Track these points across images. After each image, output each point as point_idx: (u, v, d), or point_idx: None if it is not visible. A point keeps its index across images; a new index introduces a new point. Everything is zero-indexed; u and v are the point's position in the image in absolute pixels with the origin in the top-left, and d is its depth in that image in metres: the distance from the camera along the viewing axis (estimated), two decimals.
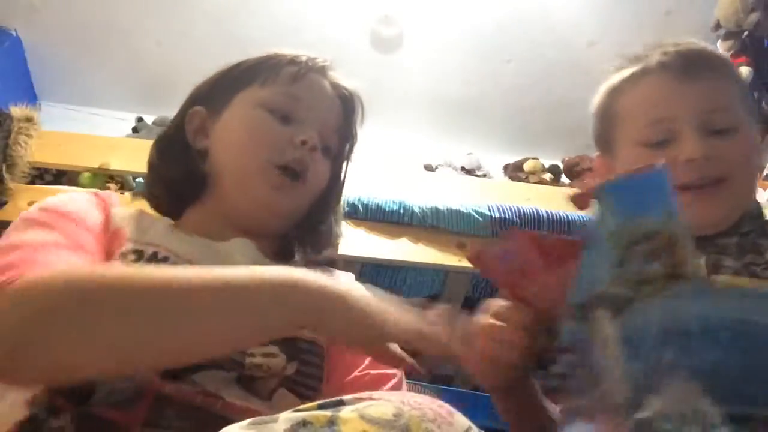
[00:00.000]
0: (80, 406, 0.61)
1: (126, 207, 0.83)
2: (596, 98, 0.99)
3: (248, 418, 0.62)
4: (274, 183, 0.82)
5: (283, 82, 0.86)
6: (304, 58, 0.89)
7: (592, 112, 1.01)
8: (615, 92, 0.95)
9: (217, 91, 0.89)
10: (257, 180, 0.82)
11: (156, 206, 0.91)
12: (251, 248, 0.81)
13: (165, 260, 0.73)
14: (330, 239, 0.93)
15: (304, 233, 0.91)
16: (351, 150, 0.95)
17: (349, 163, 0.96)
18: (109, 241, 0.75)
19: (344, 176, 0.96)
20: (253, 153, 0.83)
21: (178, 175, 0.88)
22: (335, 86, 0.91)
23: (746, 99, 0.93)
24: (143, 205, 0.91)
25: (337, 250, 0.94)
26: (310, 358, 0.73)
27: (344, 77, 0.93)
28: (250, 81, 0.87)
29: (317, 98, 0.88)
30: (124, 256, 0.72)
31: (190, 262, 0.74)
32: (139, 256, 0.73)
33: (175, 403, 0.62)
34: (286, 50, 0.91)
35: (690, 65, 0.88)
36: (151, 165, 0.91)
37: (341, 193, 0.96)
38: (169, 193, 0.89)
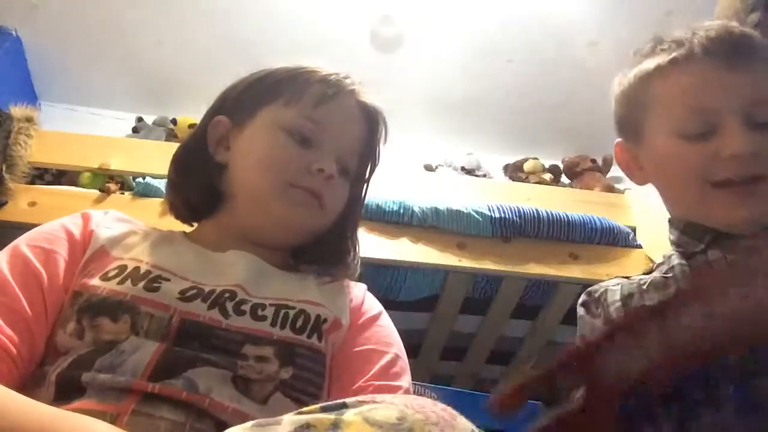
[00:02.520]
0: (70, 404, 0.62)
1: (115, 224, 0.84)
2: (623, 81, 0.93)
3: (237, 419, 0.63)
4: (296, 200, 0.83)
5: (307, 105, 0.86)
6: (333, 79, 0.89)
7: (617, 94, 0.95)
8: (650, 77, 0.88)
9: (242, 103, 0.89)
10: (276, 199, 0.83)
11: (176, 216, 0.93)
12: (248, 259, 0.82)
13: (148, 274, 0.74)
14: (345, 259, 0.93)
15: (320, 252, 0.92)
16: (372, 171, 0.95)
17: (369, 184, 0.96)
18: (89, 261, 0.77)
19: (364, 197, 0.97)
20: (270, 177, 0.84)
21: (196, 191, 0.89)
22: (361, 107, 0.91)
23: None
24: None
25: (352, 270, 0.94)
26: (307, 363, 0.73)
27: (371, 96, 0.93)
28: (276, 97, 0.87)
29: (340, 124, 0.88)
30: (106, 274, 0.74)
31: (174, 274, 0.76)
32: (122, 270, 0.75)
33: (164, 399, 0.63)
34: (317, 65, 0.91)
35: (736, 52, 0.83)
36: (170, 181, 0.92)
37: (360, 213, 0.97)
38: (188, 207, 0.92)
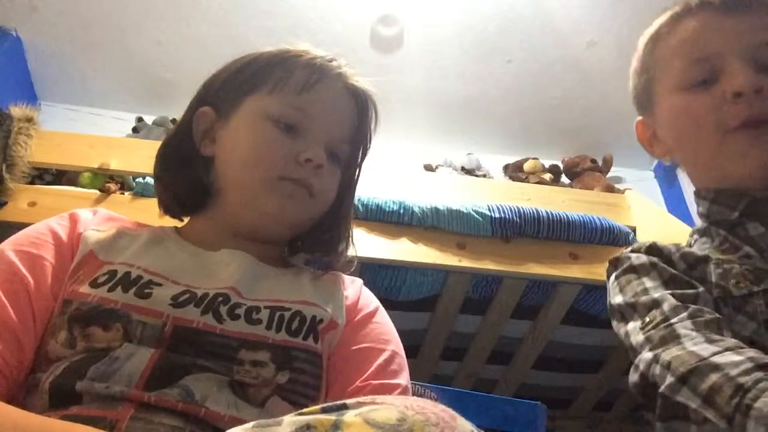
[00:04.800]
0: (66, 411, 0.61)
1: (104, 225, 0.82)
2: (634, 56, 0.92)
3: (233, 425, 0.62)
4: (285, 192, 0.81)
5: (292, 92, 0.83)
6: (317, 63, 0.85)
7: (631, 71, 0.92)
8: (653, 41, 0.88)
9: (226, 93, 0.86)
10: (265, 193, 0.80)
11: (165, 212, 0.91)
12: (241, 258, 0.80)
13: (138, 279, 0.72)
14: (336, 247, 0.91)
15: (311, 241, 0.90)
16: (364, 155, 0.92)
17: (361, 169, 0.94)
18: (78, 266, 0.75)
19: (356, 182, 0.94)
20: (258, 171, 0.81)
21: (183, 187, 0.87)
22: (350, 90, 0.88)
23: None
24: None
25: (344, 258, 0.92)
26: (304, 366, 0.72)
27: (359, 77, 0.89)
28: (260, 85, 0.84)
29: (326, 109, 0.85)
30: (95, 281, 0.72)
31: (165, 278, 0.74)
32: (112, 276, 0.72)
33: (160, 408, 0.62)
34: (302, 47, 0.88)
35: (734, 1, 0.80)
36: (156, 176, 0.89)
37: (352, 199, 0.94)
38: (176, 203, 0.89)
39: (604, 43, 2.52)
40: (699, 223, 0.87)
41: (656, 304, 0.72)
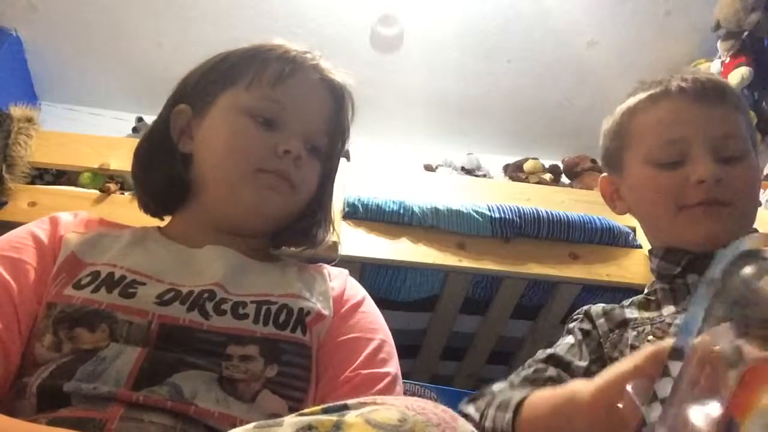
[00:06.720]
0: (55, 413, 0.61)
1: (84, 227, 0.82)
2: (608, 119, 1.03)
3: (224, 423, 0.62)
4: (265, 185, 0.81)
5: (267, 85, 0.83)
6: (292, 54, 0.86)
7: (604, 130, 1.04)
8: (631, 113, 0.98)
9: (202, 90, 0.86)
10: (244, 187, 0.80)
11: (145, 211, 0.91)
12: (226, 254, 0.80)
13: (122, 279, 0.72)
14: (316, 233, 0.91)
15: (291, 231, 0.90)
16: (343, 146, 0.92)
17: (341, 159, 0.94)
18: (61, 269, 0.75)
19: (335, 173, 0.93)
20: (236, 164, 0.81)
21: (161, 185, 0.87)
22: (325, 82, 0.88)
23: (751, 130, 0.98)
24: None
25: (321, 245, 0.92)
26: (293, 359, 0.72)
27: (335, 70, 0.89)
28: (235, 80, 0.84)
29: (302, 101, 0.85)
30: (79, 282, 0.72)
31: (149, 277, 0.74)
32: (95, 277, 0.72)
33: (149, 407, 0.62)
34: (277, 43, 0.88)
35: (707, 92, 0.92)
36: (134, 176, 0.89)
37: (332, 191, 0.94)
38: (156, 201, 0.89)
39: (604, 43, 2.53)
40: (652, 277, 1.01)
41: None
